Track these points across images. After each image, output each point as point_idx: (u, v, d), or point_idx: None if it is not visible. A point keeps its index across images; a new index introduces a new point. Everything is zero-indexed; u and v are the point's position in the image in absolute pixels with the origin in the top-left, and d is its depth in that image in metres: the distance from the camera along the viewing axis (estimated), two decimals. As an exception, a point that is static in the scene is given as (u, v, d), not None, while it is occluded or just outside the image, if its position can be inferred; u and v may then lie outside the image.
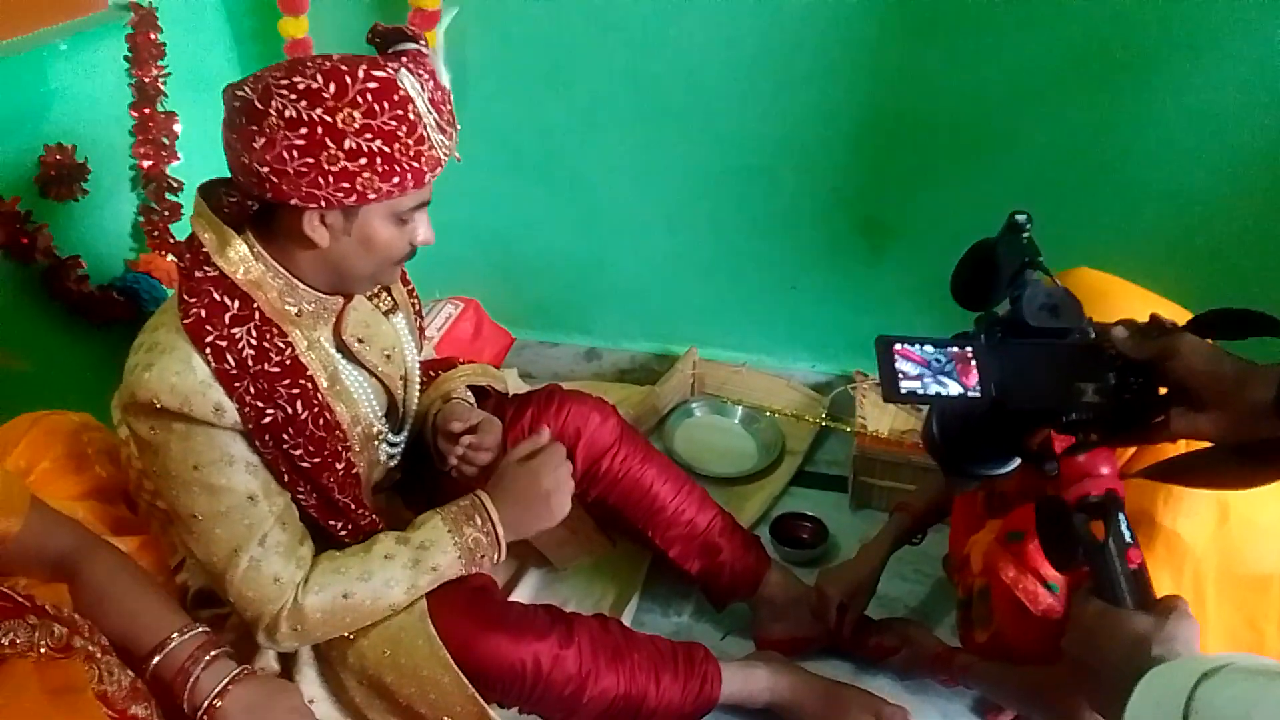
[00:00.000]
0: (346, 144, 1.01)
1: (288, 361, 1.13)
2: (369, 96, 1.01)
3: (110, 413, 1.31)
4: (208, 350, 1.08)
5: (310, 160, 1.02)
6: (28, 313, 1.64)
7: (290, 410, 1.13)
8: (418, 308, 1.42)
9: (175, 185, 1.86)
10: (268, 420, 1.11)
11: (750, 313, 2.21)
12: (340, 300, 1.20)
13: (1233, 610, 1.17)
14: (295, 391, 1.13)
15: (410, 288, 1.40)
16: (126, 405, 1.12)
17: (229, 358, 1.08)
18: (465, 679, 1.20)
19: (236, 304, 1.10)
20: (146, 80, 1.79)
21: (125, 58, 1.76)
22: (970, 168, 1.86)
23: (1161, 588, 1.12)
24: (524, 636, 1.24)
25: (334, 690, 1.28)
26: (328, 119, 1.00)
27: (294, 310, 1.15)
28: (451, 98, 1.12)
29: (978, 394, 0.87)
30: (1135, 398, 0.89)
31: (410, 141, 1.05)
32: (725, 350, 2.25)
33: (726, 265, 2.15)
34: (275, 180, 1.03)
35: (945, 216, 1.93)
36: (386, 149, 1.03)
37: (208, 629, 1.11)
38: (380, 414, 1.30)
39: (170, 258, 1.85)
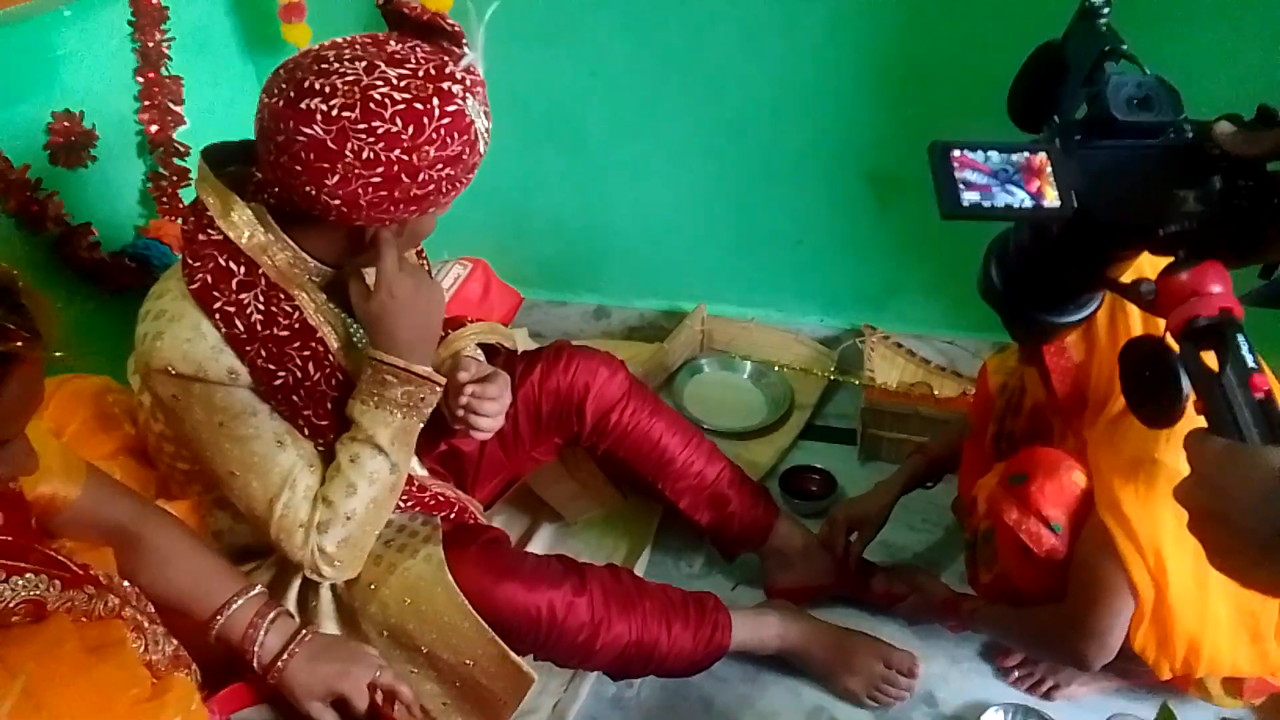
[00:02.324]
0: (420, 177, 1.04)
1: (297, 325, 1.14)
2: (442, 132, 1.02)
3: (127, 378, 1.34)
4: (217, 316, 1.09)
5: (384, 193, 1.04)
6: (40, 281, 1.64)
7: (300, 373, 1.14)
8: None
9: (182, 150, 1.86)
10: (279, 382, 1.13)
11: (758, 268, 2.21)
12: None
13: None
14: (307, 354, 1.15)
15: (419, 249, 1.41)
16: (144, 373, 1.14)
17: (238, 323, 1.10)
18: (485, 624, 1.22)
19: (242, 269, 1.11)
20: (150, 45, 1.78)
21: (129, 22, 1.76)
22: (976, 118, 1.82)
23: (1164, 526, 1.15)
24: (538, 585, 1.27)
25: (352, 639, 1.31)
26: (405, 159, 1.02)
27: (302, 275, 1.16)
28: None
29: (1057, 205, 0.73)
30: (1247, 204, 0.75)
31: (470, 157, 1.08)
32: (733, 306, 2.26)
33: (734, 221, 2.15)
34: (345, 210, 1.05)
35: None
36: (453, 172, 1.06)
37: (265, 589, 1.15)
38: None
39: (180, 222, 1.86)
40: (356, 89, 0.99)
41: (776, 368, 2.13)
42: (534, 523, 1.76)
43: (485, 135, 1.09)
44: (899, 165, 1.96)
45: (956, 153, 0.73)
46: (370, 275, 1.21)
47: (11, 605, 0.84)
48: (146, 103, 1.80)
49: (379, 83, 1.00)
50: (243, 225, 1.11)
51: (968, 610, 1.47)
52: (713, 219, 2.16)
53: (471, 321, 1.53)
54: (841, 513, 1.60)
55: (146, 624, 1.01)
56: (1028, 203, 0.72)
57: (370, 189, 1.03)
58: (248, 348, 1.10)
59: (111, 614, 0.95)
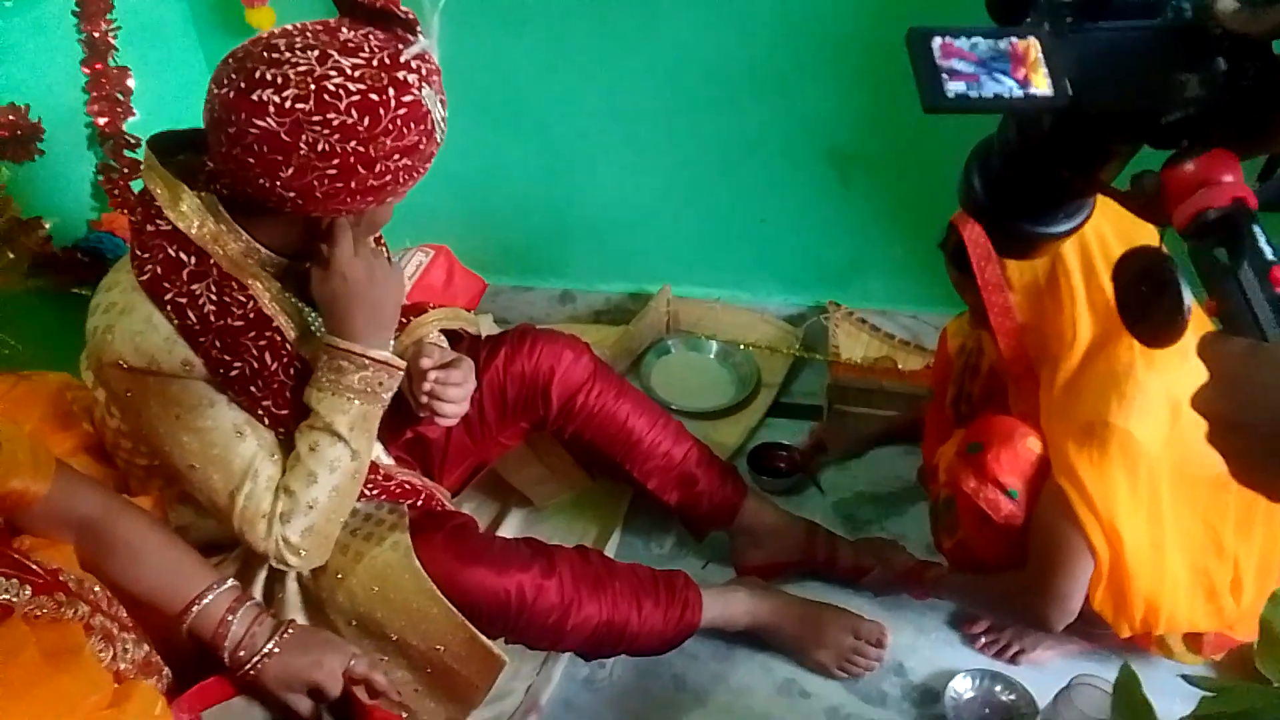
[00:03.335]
0: (377, 168, 1.02)
1: (251, 315, 1.12)
2: (399, 122, 1.00)
3: (83, 374, 1.32)
4: (168, 307, 1.07)
5: (340, 185, 1.02)
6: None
7: (257, 364, 1.13)
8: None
9: (133, 142, 1.83)
10: (235, 373, 1.12)
11: (722, 248, 2.21)
12: (301, 260, 1.18)
13: (1188, 510, 1.21)
14: (263, 343, 1.13)
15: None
16: (96, 369, 1.12)
17: (190, 314, 1.08)
18: (454, 609, 1.22)
19: (193, 259, 1.09)
20: (96, 35, 1.75)
21: (73, 12, 1.72)
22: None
23: (1118, 488, 1.17)
24: (507, 568, 1.27)
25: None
26: (361, 150, 1.00)
27: (254, 265, 1.14)
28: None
29: (1050, 94, 0.67)
30: (1253, 87, 0.68)
31: (428, 147, 1.06)
32: (699, 287, 2.26)
33: (696, 201, 2.15)
34: (300, 202, 1.03)
35: (912, 144, 1.93)
36: (410, 162, 1.04)
37: (238, 583, 1.14)
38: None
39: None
40: (310, 79, 0.97)
41: (742, 347, 2.14)
42: (503, 508, 1.76)
43: (442, 124, 1.08)
44: (860, 142, 1.97)
45: (939, 40, 0.66)
46: None
47: None
48: (94, 94, 1.77)
49: (332, 73, 0.98)
50: (192, 215, 1.09)
51: (932, 578, 1.49)
52: (676, 200, 2.16)
53: (434, 308, 1.52)
54: (821, 427, 1.67)
55: (116, 630, 0.99)
56: (1018, 92, 0.66)
57: (326, 181, 1.01)
58: (201, 339, 1.09)
59: (80, 621, 0.94)
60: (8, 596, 0.85)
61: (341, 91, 0.98)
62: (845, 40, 1.84)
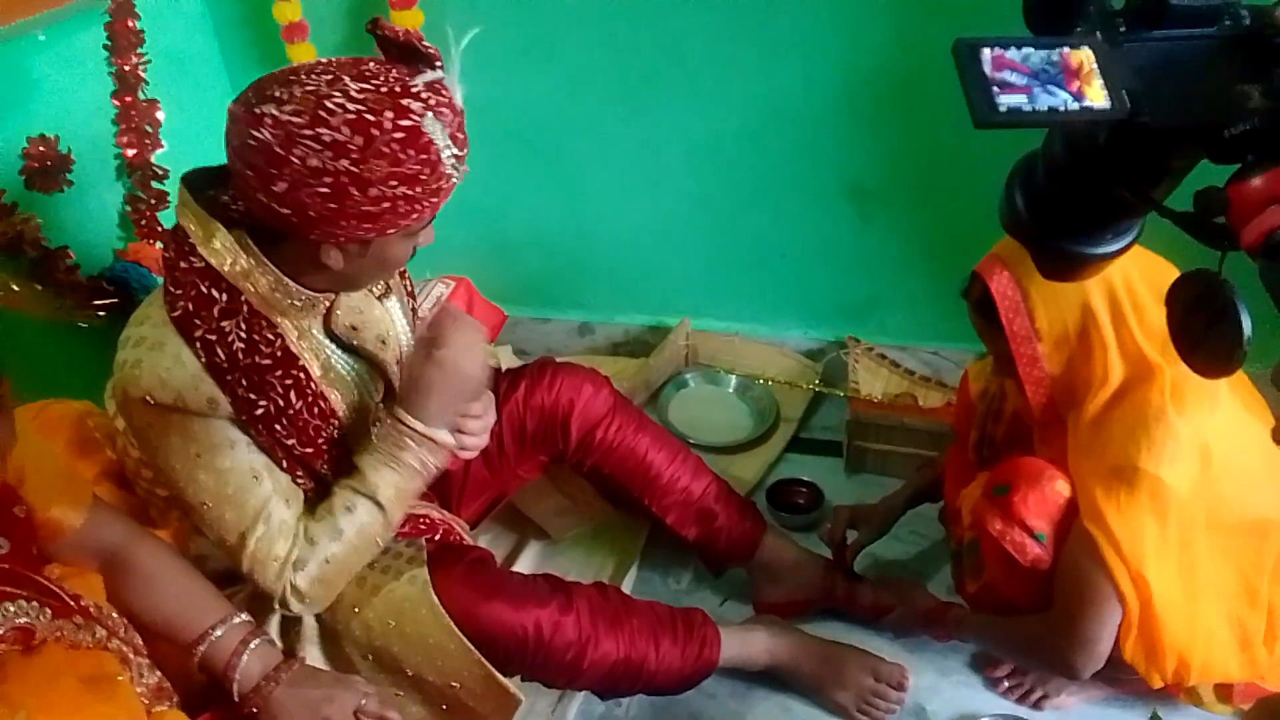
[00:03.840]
0: (371, 192, 1.00)
1: (279, 353, 1.13)
2: (395, 146, 0.99)
3: (105, 403, 1.32)
4: (197, 344, 1.08)
5: (334, 206, 1.01)
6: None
7: (283, 401, 1.13)
8: (410, 289, 1.42)
9: (160, 173, 1.85)
10: (260, 411, 1.12)
11: (741, 282, 2.21)
12: (331, 295, 1.20)
13: (1224, 561, 1.18)
14: (289, 382, 1.14)
15: (403, 270, 1.40)
16: (121, 401, 1.13)
17: (219, 351, 1.08)
18: (470, 645, 1.21)
19: (224, 296, 1.09)
20: (127, 68, 1.78)
21: (104, 46, 1.75)
22: (956, 131, 1.85)
23: (1146, 534, 1.15)
24: (525, 604, 1.26)
25: (339, 667, 1.30)
26: (354, 170, 0.99)
27: (284, 301, 1.14)
28: (463, 114, 1.09)
29: (1106, 106, 0.63)
30: None
31: (431, 180, 1.04)
32: (718, 320, 2.26)
33: (716, 235, 2.15)
34: (295, 221, 1.03)
35: (932, 181, 1.93)
36: (410, 191, 1.02)
37: (250, 617, 1.14)
38: (377, 399, 1.31)
39: (160, 246, 1.85)
40: (313, 98, 0.98)
41: (761, 381, 2.13)
42: (520, 541, 1.75)
43: (453, 160, 1.05)
44: (880, 178, 1.98)
45: (989, 51, 0.62)
46: (347, 301, 1.20)
47: (0, 632, 0.83)
48: (123, 126, 1.80)
49: (336, 93, 0.99)
50: (224, 252, 1.09)
51: (955, 620, 1.47)
52: (695, 233, 2.17)
53: (454, 340, 1.52)
54: (846, 509, 1.61)
55: (132, 655, 1.00)
56: (1073, 105, 0.62)
57: (319, 199, 1.00)
58: (228, 376, 1.09)
59: (99, 645, 0.95)
60: (29, 619, 0.86)
61: (338, 109, 0.97)
62: (867, 78, 1.85)
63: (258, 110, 0.98)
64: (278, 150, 0.98)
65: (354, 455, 1.20)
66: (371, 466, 1.18)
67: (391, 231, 1.06)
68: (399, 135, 0.99)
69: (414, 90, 1.02)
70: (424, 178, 1.02)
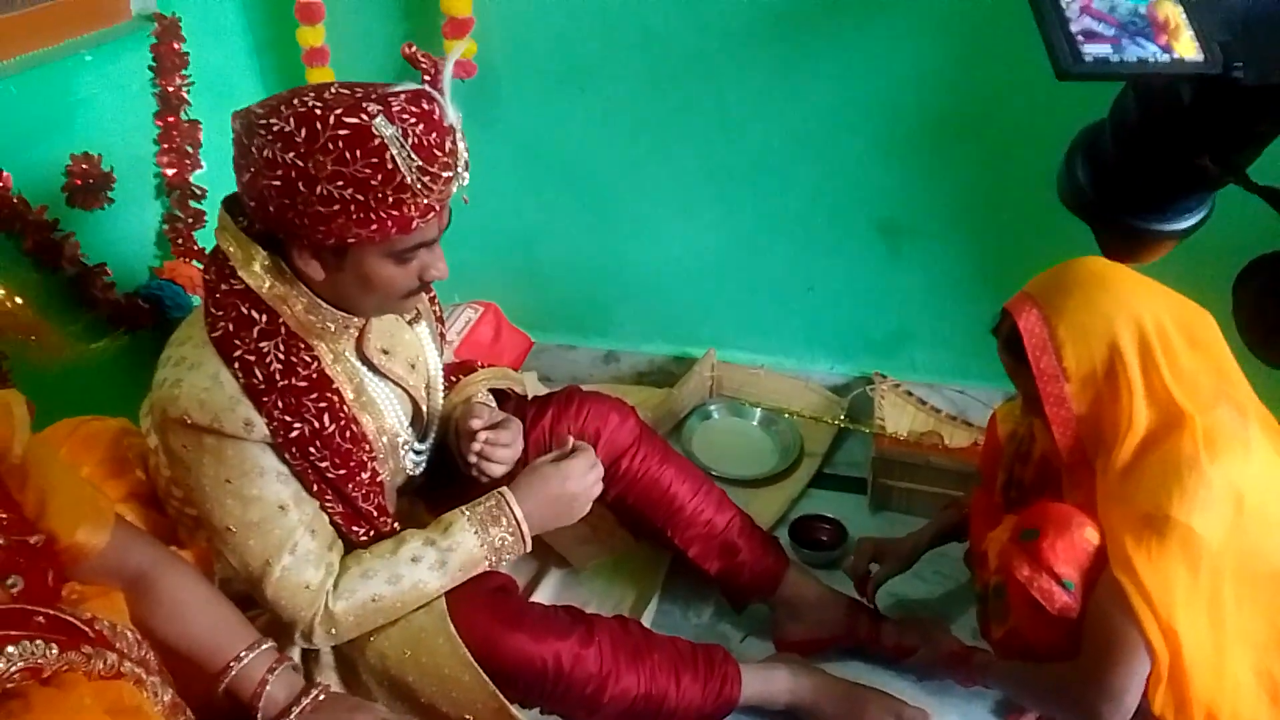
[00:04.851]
0: (318, 190, 1.00)
1: (314, 375, 1.14)
2: (339, 144, 0.99)
3: (139, 420, 1.33)
4: (236, 365, 1.09)
5: (286, 201, 1.02)
6: (56, 320, 1.67)
7: (318, 424, 1.14)
8: (439, 314, 1.44)
9: (199, 193, 1.88)
10: (295, 434, 1.13)
11: (768, 314, 2.21)
12: (362, 320, 1.21)
13: (1251, 609, 1.16)
14: (323, 405, 1.15)
15: (432, 295, 1.41)
16: (158, 421, 1.14)
17: (257, 372, 1.09)
18: (486, 677, 1.21)
19: (264, 318, 1.11)
20: (170, 89, 1.81)
21: (149, 67, 1.79)
22: (987, 165, 1.86)
23: (1177, 585, 1.13)
24: (545, 636, 1.25)
25: (356, 693, 1.30)
26: (300, 164, 0.99)
27: (319, 324, 1.15)
28: (457, 134, 1.07)
29: (1200, 60, 0.59)
30: None
31: (388, 190, 1.01)
32: (743, 352, 2.26)
33: (744, 267, 2.15)
34: (262, 214, 1.05)
35: (962, 215, 1.93)
36: (361, 196, 1.01)
37: (274, 643, 1.14)
38: (406, 423, 1.31)
39: (196, 264, 1.88)
40: (286, 96, 1.02)
41: (786, 415, 2.13)
42: (541, 568, 1.75)
43: (420, 174, 1.02)
44: (910, 213, 1.97)
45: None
46: (379, 326, 1.21)
47: (7, 673, 0.83)
48: (165, 146, 1.83)
49: (309, 94, 1.02)
50: (263, 274, 1.11)
51: (979, 664, 1.44)
52: (723, 265, 2.17)
53: (483, 367, 1.53)
54: (870, 542, 1.60)
55: (145, 675, 1.00)
56: (1163, 57, 0.58)
57: (274, 193, 1.02)
58: (265, 398, 1.10)
59: (110, 672, 0.94)
60: (34, 660, 0.85)
61: (299, 105, 1.00)
62: (898, 114, 1.86)
63: (244, 109, 1.04)
64: (243, 139, 1.03)
65: (449, 513, 1.27)
66: (461, 523, 1.24)
67: (352, 240, 1.05)
68: (343, 132, 0.99)
69: (385, 97, 1.02)
70: (375, 184, 1.01)
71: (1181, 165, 0.69)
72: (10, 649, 0.83)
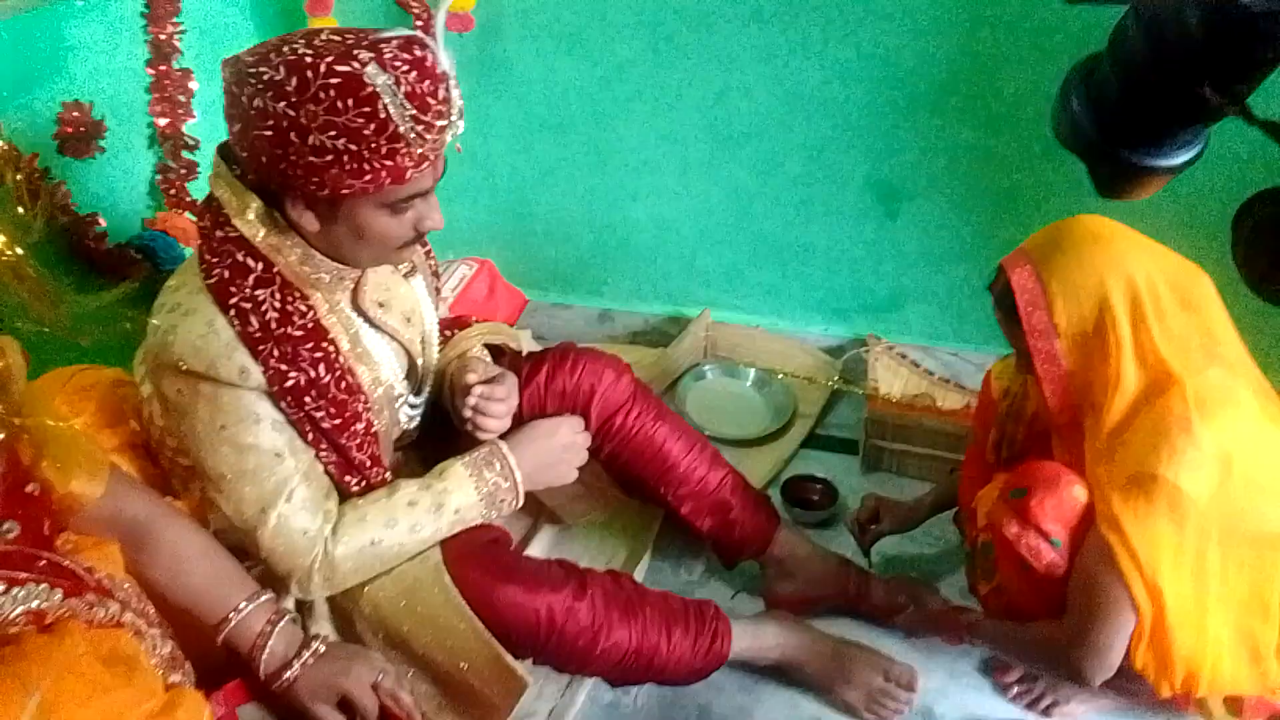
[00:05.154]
0: (310, 140, 0.98)
1: (310, 325, 1.14)
2: (331, 93, 0.97)
3: (133, 370, 1.33)
4: (232, 312, 1.08)
5: (279, 152, 1.00)
6: (48, 270, 1.65)
7: (314, 373, 1.14)
8: (435, 268, 1.43)
9: (192, 143, 1.86)
10: (291, 383, 1.12)
11: (763, 275, 2.21)
12: (357, 271, 1.20)
13: (1235, 570, 1.17)
14: (319, 355, 1.14)
15: (428, 249, 1.41)
16: (152, 367, 1.14)
17: (253, 320, 1.09)
18: (482, 625, 1.22)
19: (260, 266, 1.10)
20: (163, 37, 1.79)
21: (142, 14, 1.76)
22: (986, 131, 1.85)
23: (1163, 543, 1.14)
24: (539, 588, 1.26)
25: (351, 643, 1.31)
26: (291, 114, 0.97)
27: (314, 275, 1.15)
28: (450, 82, 1.05)
29: None
30: None
31: (381, 140, 1.00)
32: (738, 313, 2.26)
33: (740, 227, 2.15)
34: (255, 165, 1.04)
35: (960, 181, 1.92)
36: (354, 147, 1.00)
37: (273, 594, 1.15)
38: (401, 376, 1.31)
39: (189, 216, 1.86)
40: (275, 43, 1.00)
41: (780, 376, 2.13)
42: (534, 524, 1.76)
43: (414, 124, 1.00)
44: (906, 176, 1.97)
45: None
46: (374, 278, 1.21)
47: (10, 616, 0.83)
48: (157, 95, 1.81)
49: (299, 41, 0.99)
50: (258, 224, 1.10)
51: (967, 623, 1.46)
52: (719, 225, 2.16)
53: (477, 322, 1.52)
54: (874, 497, 1.64)
55: (145, 627, 1.00)
56: None
57: (265, 143, 1.00)
58: (260, 346, 1.09)
59: (111, 621, 0.94)
60: (38, 604, 0.86)
61: (289, 53, 0.98)
62: (896, 75, 1.84)
63: (234, 56, 1.01)
64: (234, 89, 1.00)
65: (445, 461, 1.28)
66: (455, 470, 1.25)
67: (345, 191, 1.04)
68: (334, 81, 0.97)
69: (376, 44, 0.99)
70: (368, 134, 0.99)
71: (1182, 96, 0.67)
72: (17, 590, 0.84)
